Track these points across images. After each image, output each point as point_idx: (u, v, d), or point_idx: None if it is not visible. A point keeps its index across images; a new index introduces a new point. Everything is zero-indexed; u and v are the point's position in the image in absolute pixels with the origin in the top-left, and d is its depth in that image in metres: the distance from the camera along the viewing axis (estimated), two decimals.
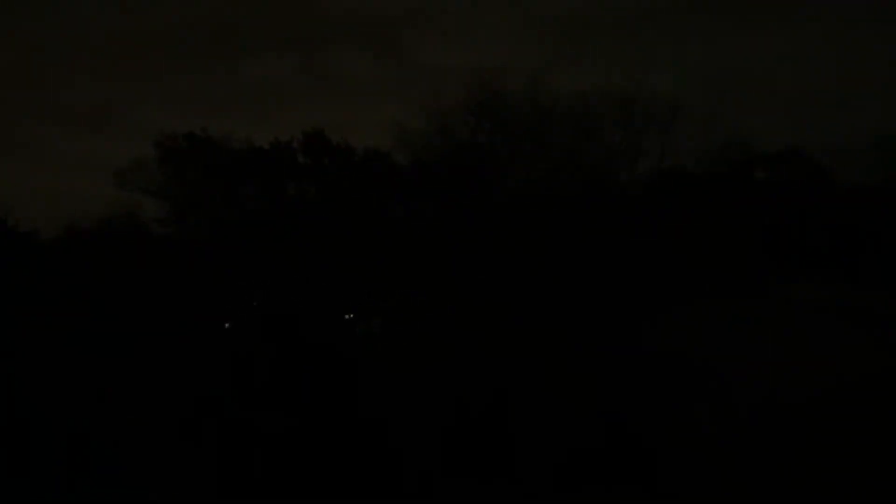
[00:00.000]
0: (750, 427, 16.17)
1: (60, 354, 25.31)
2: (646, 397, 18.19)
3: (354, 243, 33.96)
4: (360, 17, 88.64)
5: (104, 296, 30.58)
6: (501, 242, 30.45)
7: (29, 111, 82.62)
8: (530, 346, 22.40)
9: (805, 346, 20.09)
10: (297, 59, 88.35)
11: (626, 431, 16.66)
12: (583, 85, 39.79)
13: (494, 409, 18.76)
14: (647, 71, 46.67)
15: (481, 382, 20.33)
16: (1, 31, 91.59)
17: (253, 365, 25.50)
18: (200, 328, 31.01)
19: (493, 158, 34.45)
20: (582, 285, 28.39)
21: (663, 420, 17.08)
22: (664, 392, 18.46)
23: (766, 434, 15.62)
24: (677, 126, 33.02)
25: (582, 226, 31.05)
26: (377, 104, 70.17)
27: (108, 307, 29.91)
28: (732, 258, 31.76)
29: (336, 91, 77.99)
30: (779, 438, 15.36)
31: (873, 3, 74.32)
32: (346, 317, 33.39)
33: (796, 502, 13.42)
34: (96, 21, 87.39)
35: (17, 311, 27.44)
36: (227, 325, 33.16)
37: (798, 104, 62.49)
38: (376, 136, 68.37)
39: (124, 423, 19.69)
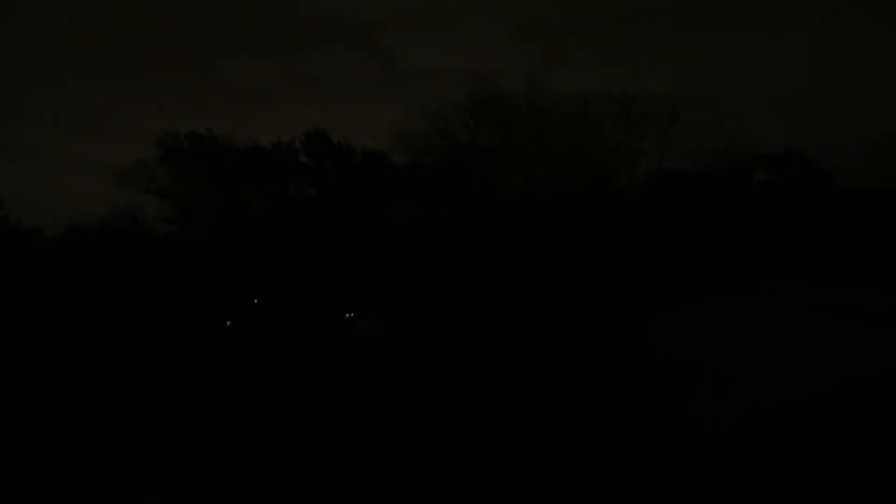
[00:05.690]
0: (749, 427, 16.20)
1: (62, 352, 25.42)
2: (647, 396, 18.26)
3: (355, 243, 34.10)
4: (346, 20, 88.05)
5: (106, 293, 30.70)
6: (502, 243, 30.55)
7: (23, 112, 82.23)
8: (531, 344, 22.49)
9: (805, 346, 20.13)
10: (288, 62, 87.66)
11: (626, 431, 16.69)
12: (580, 86, 39.94)
13: (495, 407, 18.84)
14: (646, 72, 46.71)
15: (482, 381, 20.40)
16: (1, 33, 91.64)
17: (253, 364, 25.56)
18: (202, 326, 31.11)
19: (493, 159, 34.57)
20: (583, 285, 28.50)
21: (664, 419, 17.13)
22: (665, 390, 18.54)
23: (766, 434, 15.64)
24: (677, 127, 33.21)
25: (583, 227, 31.16)
26: (368, 107, 69.15)
27: (109, 304, 30.02)
28: (733, 259, 31.86)
29: (327, 94, 77.33)
30: (778, 438, 15.38)
31: (875, 4, 74.41)
32: (347, 316, 33.48)
33: (795, 501, 13.45)
34: (92, 23, 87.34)
35: (21, 307, 27.55)
36: (228, 323, 33.25)
37: (798, 105, 62.36)
38: (369, 138, 67.80)
39: (123, 424, 19.72)
